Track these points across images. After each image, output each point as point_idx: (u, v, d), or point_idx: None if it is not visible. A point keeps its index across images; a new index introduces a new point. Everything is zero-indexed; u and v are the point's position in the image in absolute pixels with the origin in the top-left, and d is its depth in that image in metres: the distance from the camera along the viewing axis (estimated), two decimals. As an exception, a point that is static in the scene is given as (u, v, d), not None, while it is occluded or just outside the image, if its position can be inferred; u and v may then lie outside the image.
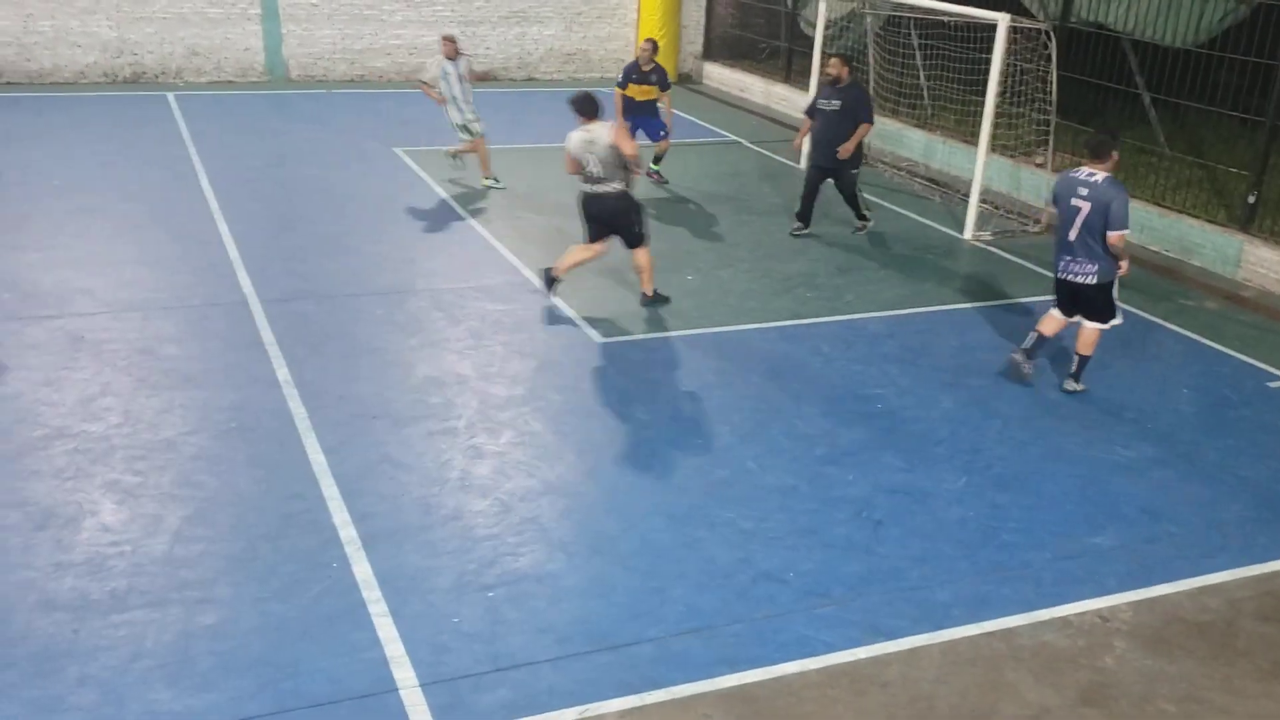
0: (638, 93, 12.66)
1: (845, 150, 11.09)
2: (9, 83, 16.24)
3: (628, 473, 6.83)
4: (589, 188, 9.03)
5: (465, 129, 12.19)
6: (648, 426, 7.43)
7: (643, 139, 12.27)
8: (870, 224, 11.78)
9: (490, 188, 12.44)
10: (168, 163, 12.80)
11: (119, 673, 4.87)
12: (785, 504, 6.55)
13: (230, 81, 17.53)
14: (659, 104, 12.84)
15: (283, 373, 7.82)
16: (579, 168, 8.97)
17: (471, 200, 12.05)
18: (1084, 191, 7.72)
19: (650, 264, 9.43)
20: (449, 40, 12.02)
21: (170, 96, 16.13)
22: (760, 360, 8.58)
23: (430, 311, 9.10)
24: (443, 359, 8.25)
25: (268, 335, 8.41)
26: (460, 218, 11.54)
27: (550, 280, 9.43)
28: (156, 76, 17.12)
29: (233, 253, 10.06)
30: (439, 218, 11.54)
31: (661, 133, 12.91)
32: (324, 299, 9.24)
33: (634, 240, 9.28)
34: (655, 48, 12.72)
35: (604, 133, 8.81)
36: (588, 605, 5.55)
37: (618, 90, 12.66)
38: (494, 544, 5.99)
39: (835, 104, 11.20)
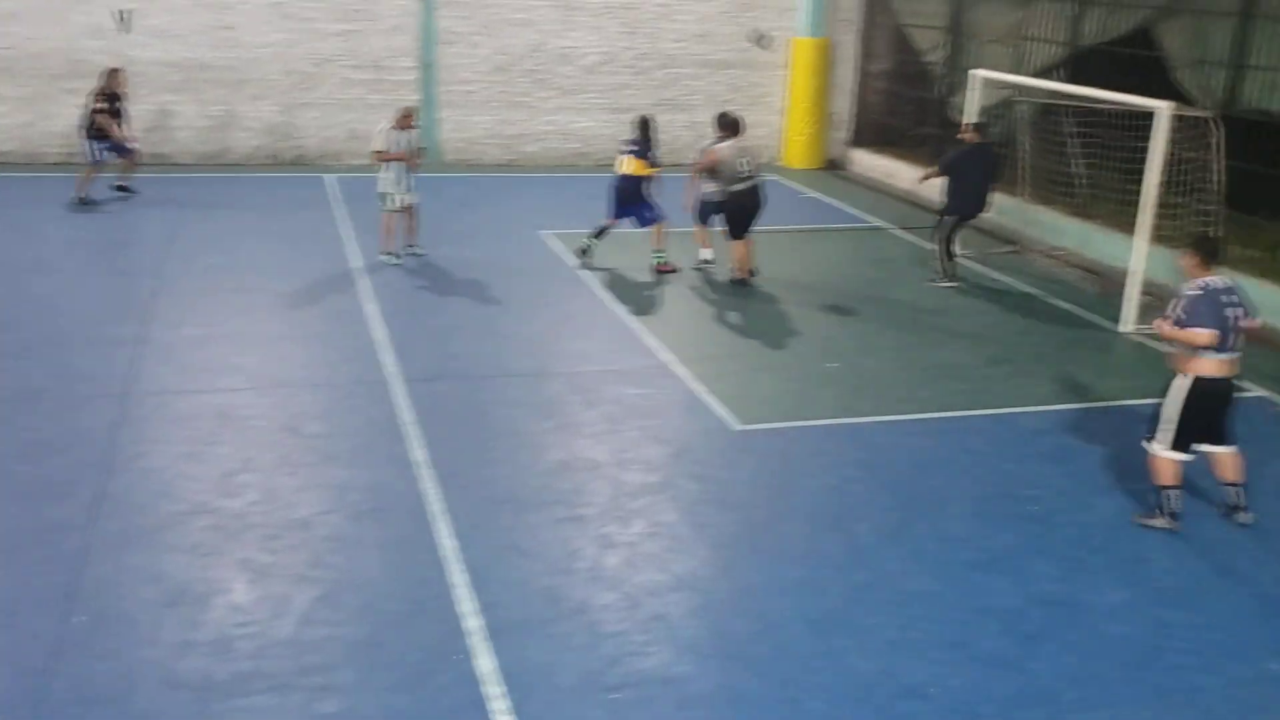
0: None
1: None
2: (182, 164, 17.16)
3: (763, 571, 6.53)
4: (744, 184, 11.64)
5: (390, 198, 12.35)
6: (785, 521, 7.13)
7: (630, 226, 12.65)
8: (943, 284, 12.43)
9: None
10: (322, 242, 13.23)
11: (237, 758, 4.80)
12: (930, 612, 6.15)
13: (387, 165, 18.16)
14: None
15: (419, 453, 7.83)
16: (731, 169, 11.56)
17: (612, 283, 12.05)
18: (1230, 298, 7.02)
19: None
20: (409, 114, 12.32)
21: (327, 179, 16.76)
22: (904, 454, 8.19)
23: (567, 395, 9.04)
24: (576, 444, 8.14)
25: (407, 415, 8.46)
26: (600, 301, 11.54)
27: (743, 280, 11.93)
28: (317, 159, 17.86)
29: (379, 332, 10.24)
30: (580, 300, 11.57)
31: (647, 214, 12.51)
32: (464, 380, 9.28)
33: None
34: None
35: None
36: (716, 713, 5.26)
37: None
38: (620, 641, 5.76)
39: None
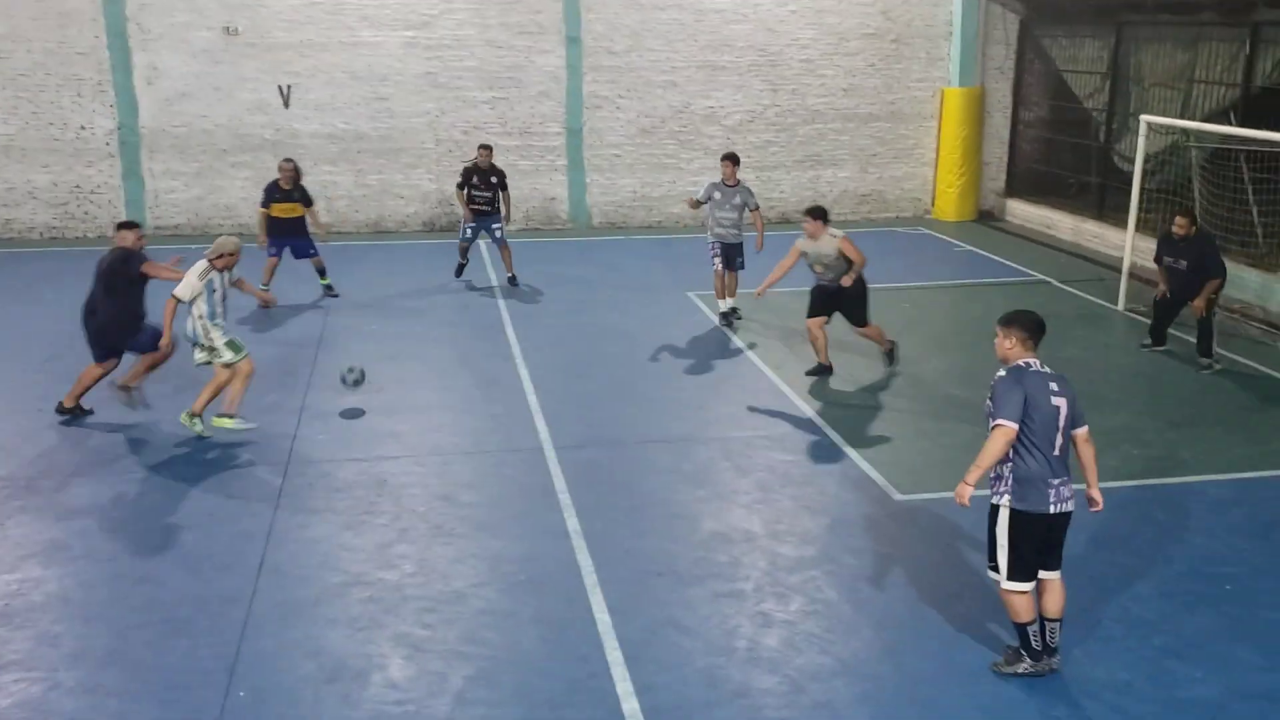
0: (281, 211, 13.48)
1: (1197, 309, 10.97)
2: (343, 234, 17.75)
3: (933, 656, 6.16)
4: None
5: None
6: (954, 601, 6.74)
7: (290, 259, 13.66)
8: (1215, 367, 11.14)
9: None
10: (476, 309, 13.43)
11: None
12: (1121, 703, 5.68)
13: (537, 229, 18.45)
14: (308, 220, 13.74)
15: (572, 523, 7.74)
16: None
17: (761, 345, 11.84)
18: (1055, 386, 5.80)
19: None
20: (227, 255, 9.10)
21: (483, 245, 17.08)
22: (1082, 529, 7.65)
23: (718, 461, 8.84)
24: (729, 513, 7.92)
25: (559, 483, 8.40)
26: (750, 363, 11.34)
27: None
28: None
29: (531, 399, 10.25)
30: (729, 362, 11.39)
31: (311, 250, 13.70)
32: (614, 446, 9.18)
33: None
34: (295, 168, 13.69)
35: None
36: (889, 814, 4.93)
37: (260, 210, 13.58)
38: (784, 730, 5.49)
39: (1182, 263, 11.08)
